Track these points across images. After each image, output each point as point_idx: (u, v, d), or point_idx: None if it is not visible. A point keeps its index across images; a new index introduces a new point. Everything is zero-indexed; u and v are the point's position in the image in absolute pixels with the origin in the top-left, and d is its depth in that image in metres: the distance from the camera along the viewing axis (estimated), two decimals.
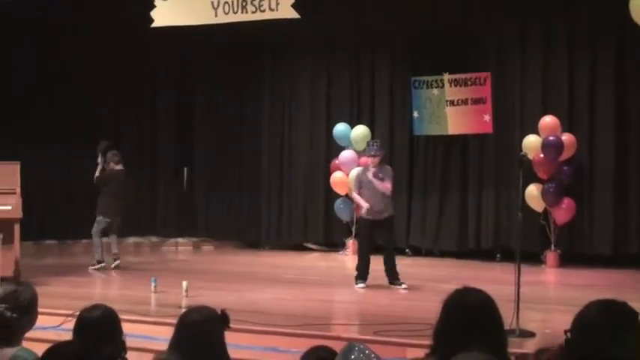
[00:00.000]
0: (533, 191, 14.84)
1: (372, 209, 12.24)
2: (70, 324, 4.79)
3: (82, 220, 17.11)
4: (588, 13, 15.04)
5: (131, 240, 17.75)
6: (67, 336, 4.71)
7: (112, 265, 14.20)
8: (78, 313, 4.71)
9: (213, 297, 10.76)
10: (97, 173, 14.41)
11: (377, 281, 12.64)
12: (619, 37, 14.68)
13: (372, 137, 16.55)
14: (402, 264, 15.54)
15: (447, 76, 16.09)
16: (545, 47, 15.47)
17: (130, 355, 4.80)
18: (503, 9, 15.66)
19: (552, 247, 14.96)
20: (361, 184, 12.40)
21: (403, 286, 12.22)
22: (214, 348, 4.34)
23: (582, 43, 15.20)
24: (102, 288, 12.08)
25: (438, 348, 3.87)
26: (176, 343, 4.34)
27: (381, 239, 12.68)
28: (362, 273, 12.32)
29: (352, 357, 3.55)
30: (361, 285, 12.25)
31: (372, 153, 12.46)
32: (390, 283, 12.27)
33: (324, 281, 13.24)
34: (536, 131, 14.95)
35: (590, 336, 3.97)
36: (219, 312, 4.44)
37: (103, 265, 14.11)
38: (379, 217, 12.27)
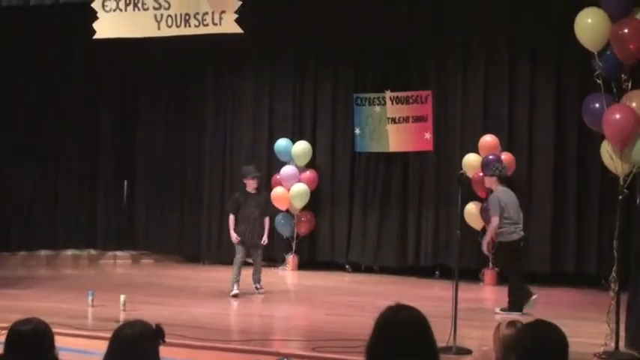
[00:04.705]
0: (472, 209, 14.98)
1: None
2: (3, 337, 4.73)
3: (20, 231, 16.97)
4: (529, 34, 15.25)
5: (69, 253, 17.60)
6: None
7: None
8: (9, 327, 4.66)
9: (152, 311, 10.71)
10: None
11: (317, 297, 12.68)
12: (559, 58, 14.89)
13: (314, 153, 16.67)
14: (342, 280, 15.70)
15: (388, 94, 16.20)
16: (486, 67, 15.66)
17: None
18: (445, 29, 15.83)
19: (490, 265, 15.08)
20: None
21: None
22: None
23: (523, 64, 15.40)
24: (38, 301, 11.90)
25: None
26: (110, 357, 4.31)
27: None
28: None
29: None
30: None
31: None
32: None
33: (264, 297, 13.21)
34: (476, 150, 15.10)
35: None
36: (154, 326, 4.42)
37: None
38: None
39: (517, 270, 12.07)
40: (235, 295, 12.93)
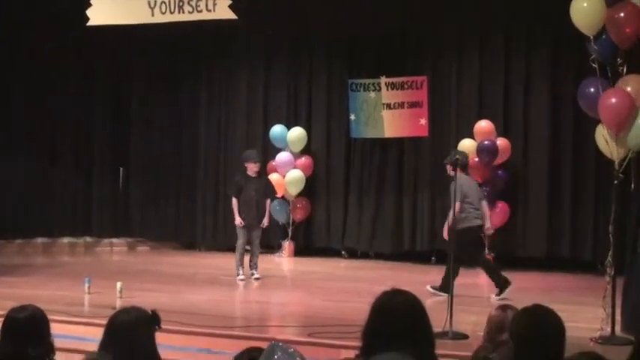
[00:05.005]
0: None
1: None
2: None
3: (16, 219, 16.94)
4: (525, 19, 15.21)
5: (65, 240, 17.56)
6: None
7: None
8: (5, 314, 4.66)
9: (148, 298, 10.69)
10: None
11: (313, 283, 12.65)
12: (555, 44, 14.88)
13: (309, 139, 16.65)
14: (338, 266, 15.72)
15: (383, 80, 16.15)
16: (481, 52, 15.64)
17: (60, 356, 4.77)
18: (440, 14, 15.77)
19: (486, 250, 15.07)
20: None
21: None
22: (143, 348, 4.32)
23: (518, 49, 15.39)
24: (35, 288, 11.90)
25: (367, 349, 3.89)
26: (105, 343, 4.31)
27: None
28: None
29: (275, 357, 3.55)
30: None
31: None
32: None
33: (260, 283, 13.22)
34: (471, 135, 15.09)
35: (521, 346, 4.10)
36: (150, 312, 4.42)
37: None
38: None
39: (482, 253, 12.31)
40: (242, 280, 13.12)
